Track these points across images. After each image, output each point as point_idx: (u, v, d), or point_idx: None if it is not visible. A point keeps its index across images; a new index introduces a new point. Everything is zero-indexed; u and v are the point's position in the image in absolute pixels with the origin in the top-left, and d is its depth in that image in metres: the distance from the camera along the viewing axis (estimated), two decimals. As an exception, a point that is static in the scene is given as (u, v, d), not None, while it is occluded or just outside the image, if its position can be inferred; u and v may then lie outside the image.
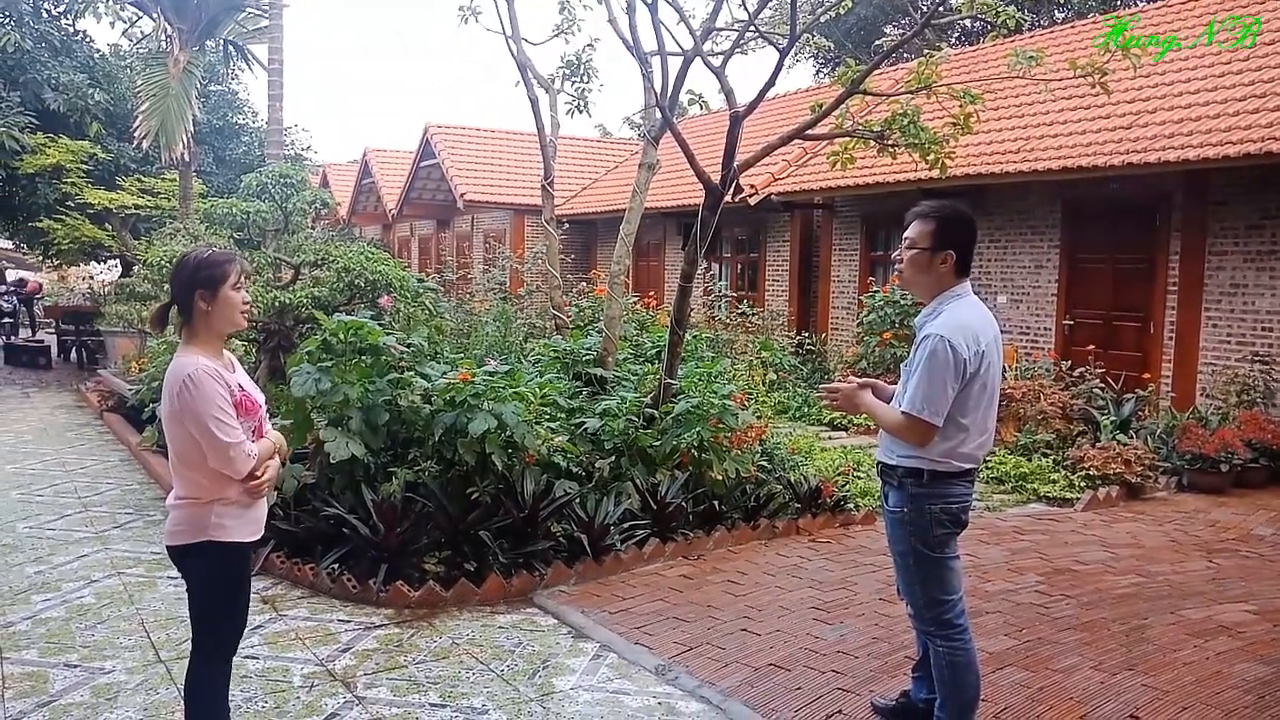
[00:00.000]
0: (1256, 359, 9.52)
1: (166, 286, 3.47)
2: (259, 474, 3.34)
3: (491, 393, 5.88)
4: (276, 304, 7.08)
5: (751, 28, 6.50)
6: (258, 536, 3.47)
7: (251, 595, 5.52)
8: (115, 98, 15.65)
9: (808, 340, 14.09)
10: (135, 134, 12.65)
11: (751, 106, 6.52)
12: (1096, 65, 6.06)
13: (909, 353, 3.52)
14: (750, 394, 9.03)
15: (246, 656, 4.62)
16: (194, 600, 3.44)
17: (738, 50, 7.27)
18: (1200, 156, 9.21)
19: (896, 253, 3.60)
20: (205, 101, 16.99)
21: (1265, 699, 4.13)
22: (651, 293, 16.50)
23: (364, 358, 6.28)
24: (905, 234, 3.53)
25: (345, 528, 5.72)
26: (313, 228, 16.78)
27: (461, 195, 21.93)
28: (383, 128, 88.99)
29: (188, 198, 13.24)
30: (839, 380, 3.70)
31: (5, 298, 22.29)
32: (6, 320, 21.94)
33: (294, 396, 5.85)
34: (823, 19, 6.93)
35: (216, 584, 3.41)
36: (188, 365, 3.18)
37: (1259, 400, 9.23)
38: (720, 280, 17.47)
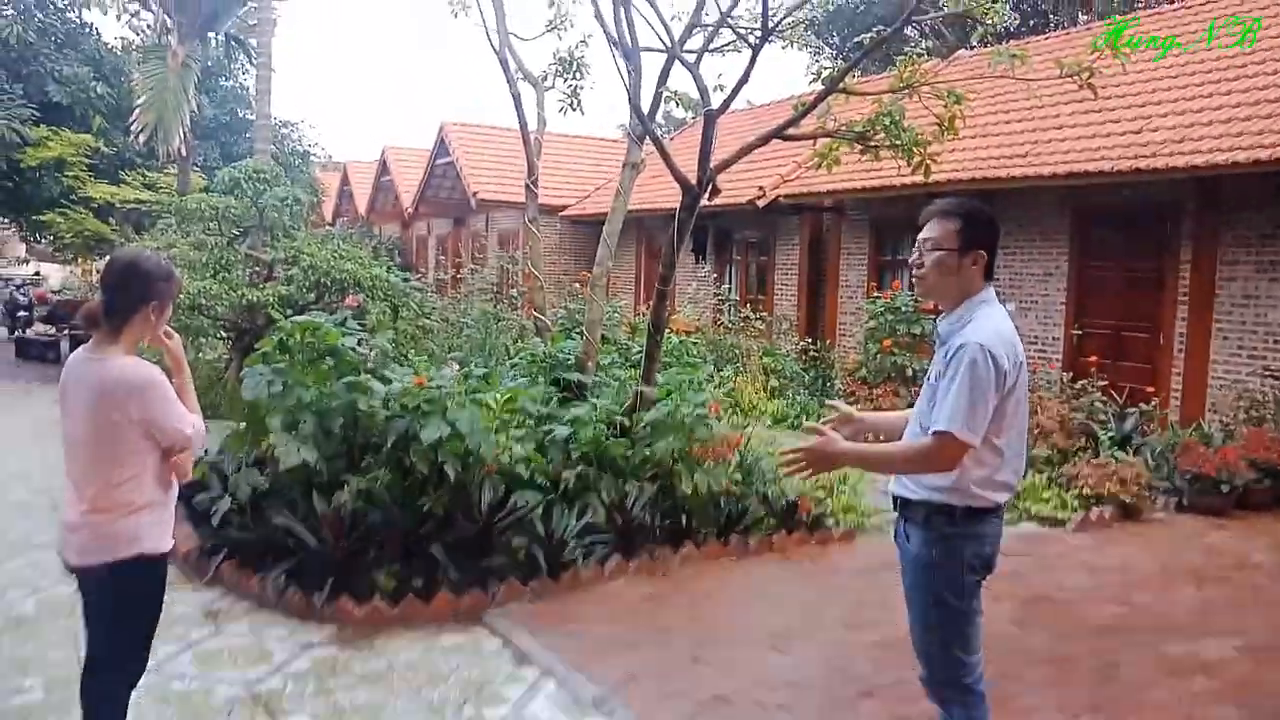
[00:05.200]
0: (1268, 373, 9.15)
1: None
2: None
3: (448, 398, 5.68)
4: (244, 301, 6.92)
5: (726, 24, 6.26)
6: (172, 544, 3.35)
7: (197, 608, 5.42)
8: (120, 91, 15.63)
9: (812, 346, 13.80)
10: (132, 128, 12.57)
11: (725, 104, 6.29)
12: (1084, 65, 5.75)
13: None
14: (733, 402, 8.79)
15: (172, 676, 4.46)
16: (116, 621, 3.25)
17: (720, 50, 7.04)
18: (1209, 162, 8.86)
19: (915, 256, 3.16)
20: (213, 96, 16.94)
21: (1237, 748, 3.86)
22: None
23: (326, 360, 6.10)
24: (923, 234, 3.14)
25: (292, 538, 5.54)
26: (330, 223, 16.68)
27: (474, 194, 21.80)
28: (411, 125, 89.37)
29: (186, 193, 13.15)
30: (803, 441, 3.10)
31: (21, 291, 22.41)
32: (23, 314, 22.06)
33: (246, 399, 5.68)
34: (807, 15, 6.66)
35: (147, 600, 3.28)
36: (144, 369, 3.11)
37: (1269, 417, 8.86)
38: (728, 284, 17.22)
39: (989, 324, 2.99)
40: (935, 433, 2.90)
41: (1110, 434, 8.51)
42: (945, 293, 3.12)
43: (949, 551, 3.01)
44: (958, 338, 2.99)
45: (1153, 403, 9.47)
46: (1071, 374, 9.93)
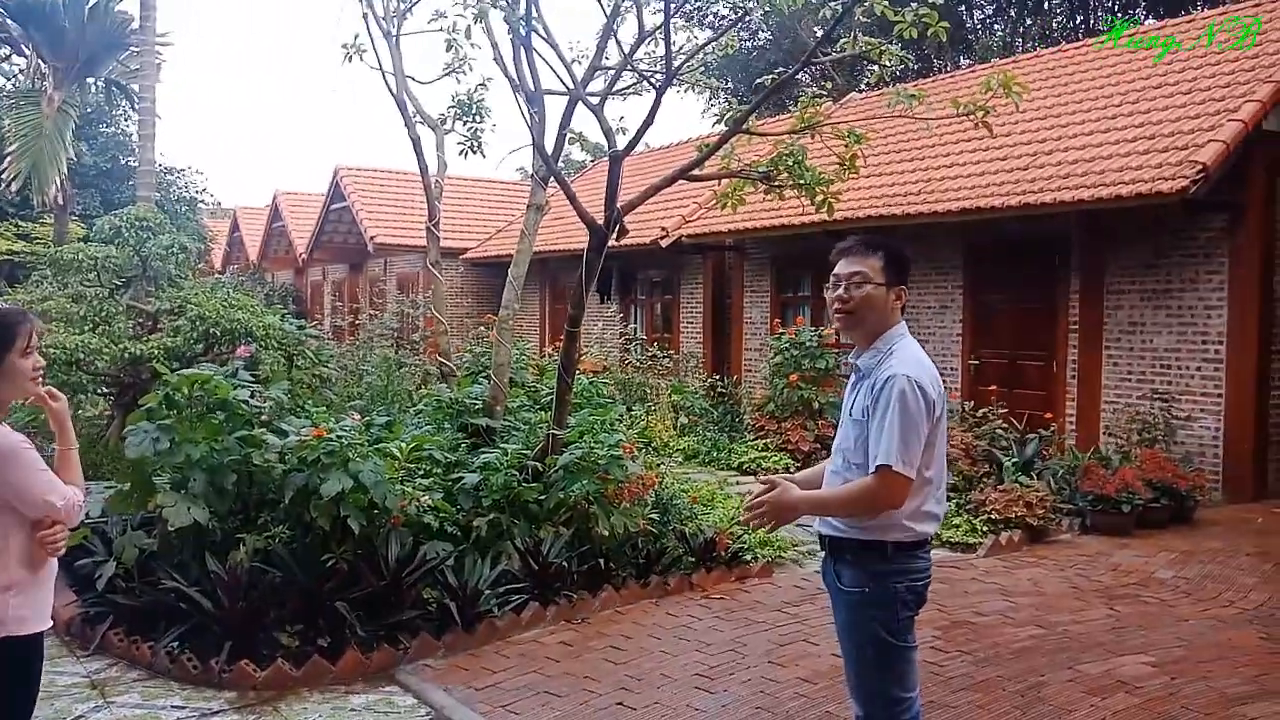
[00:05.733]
0: (1156, 396, 9.51)
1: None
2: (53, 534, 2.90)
3: (349, 449, 5.44)
4: (127, 355, 6.54)
5: (629, 67, 6.26)
6: (50, 625, 3.03)
7: (81, 679, 5.04)
8: (-10, 140, 14.88)
9: (720, 383, 13.85)
10: (3, 176, 11.94)
11: (630, 146, 6.27)
12: (978, 104, 5.91)
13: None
14: (644, 441, 8.70)
15: (54, 756, 4.10)
16: None
17: (622, 93, 7.02)
18: (1094, 197, 9.23)
19: (839, 290, 3.08)
20: (93, 144, 16.25)
21: (1162, 765, 3.88)
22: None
23: (217, 414, 5.80)
24: (846, 269, 3.08)
25: (185, 602, 5.20)
26: (220, 271, 16.07)
27: (371, 239, 21.44)
28: (305, 170, 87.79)
29: (63, 243, 12.53)
30: (759, 493, 3.04)
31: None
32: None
33: (129, 458, 5.34)
34: (708, 59, 6.72)
35: (16, 687, 2.94)
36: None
37: (1160, 438, 9.19)
38: (634, 323, 17.23)
39: (911, 356, 3.00)
40: (876, 469, 2.89)
41: (1013, 460, 8.70)
42: (870, 326, 3.09)
43: (882, 589, 2.96)
44: (883, 370, 2.97)
45: (1051, 428, 9.74)
46: (973, 402, 10.15)
